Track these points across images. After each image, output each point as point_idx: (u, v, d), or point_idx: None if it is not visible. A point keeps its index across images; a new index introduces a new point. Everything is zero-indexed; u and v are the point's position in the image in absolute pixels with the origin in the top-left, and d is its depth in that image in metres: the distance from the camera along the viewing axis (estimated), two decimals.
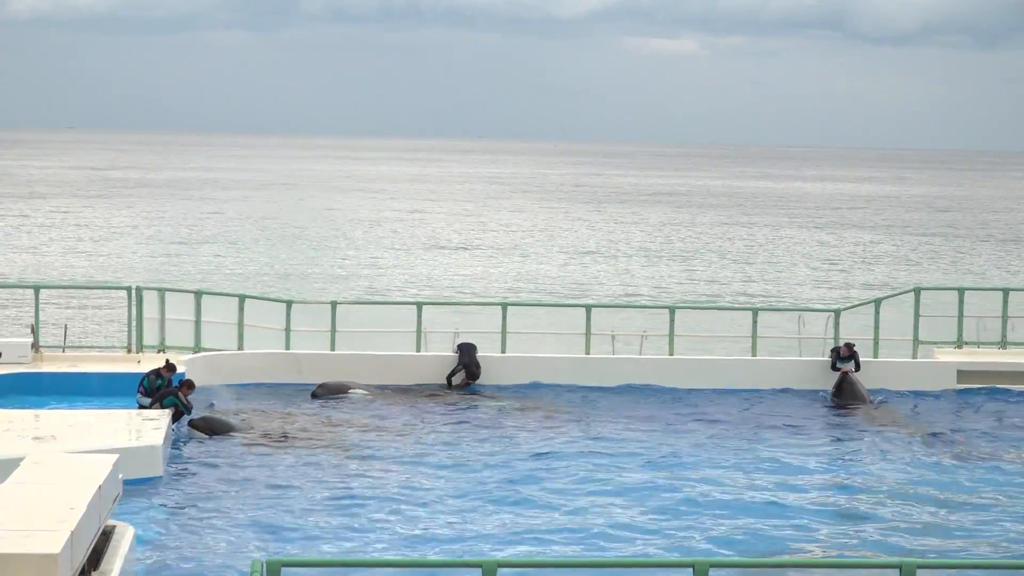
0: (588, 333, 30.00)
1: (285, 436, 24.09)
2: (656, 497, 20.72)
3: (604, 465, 22.61)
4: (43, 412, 23.68)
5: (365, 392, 27.74)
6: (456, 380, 28.91)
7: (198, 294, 29.40)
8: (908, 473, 22.67)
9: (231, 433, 23.95)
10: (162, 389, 24.10)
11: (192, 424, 23.93)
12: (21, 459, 15.80)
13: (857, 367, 29.01)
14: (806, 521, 19.72)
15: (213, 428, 23.99)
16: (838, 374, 28.96)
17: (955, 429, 26.28)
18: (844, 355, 29.16)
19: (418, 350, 29.65)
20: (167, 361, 24.95)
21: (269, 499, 20.11)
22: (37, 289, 28.54)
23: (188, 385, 24.30)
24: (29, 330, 28.20)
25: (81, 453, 18.16)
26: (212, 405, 25.24)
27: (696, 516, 19.79)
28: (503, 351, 29.74)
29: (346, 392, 27.77)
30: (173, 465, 21.99)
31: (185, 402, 23.95)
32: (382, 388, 28.31)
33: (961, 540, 18.97)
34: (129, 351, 28.24)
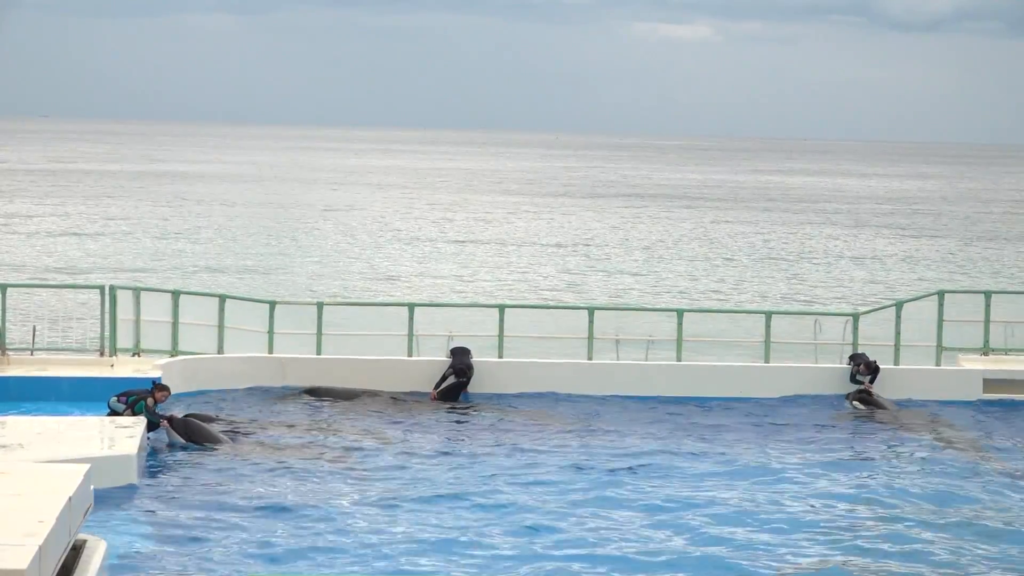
0: (591, 337, 29.98)
1: (268, 445, 24.08)
2: (663, 513, 20.69)
3: (607, 479, 22.59)
4: (10, 419, 23.66)
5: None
6: (445, 385, 28.77)
7: (175, 294, 29.39)
8: (937, 488, 22.59)
9: (208, 443, 23.87)
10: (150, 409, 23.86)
11: (171, 423, 23.86)
12: None
13: (871, 383, 29.06)
14: (825, 538, 19.70)
15: (191, 435, 23.92)
16: (858, 387, 28.93)
17: (981, 441, 26.27)
18: (864, 372, 29.13)
19: (410, 354, 29.64)
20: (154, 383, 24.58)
21: (250, 512, 20.10)
22: (4, 288, 28.50)
23: (161, 389, 24.13)
24: None
25: (50, 463, 18.16)
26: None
27: (707, 533, 19.78)
28: (500, 356, 29.73)
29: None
30: (148, 475, 21.98)
31: (151, 409, 23.74)
32: (374, 395, 28.31)
33: (990, 562, 18.96)
34: (102, 354, 28.22)
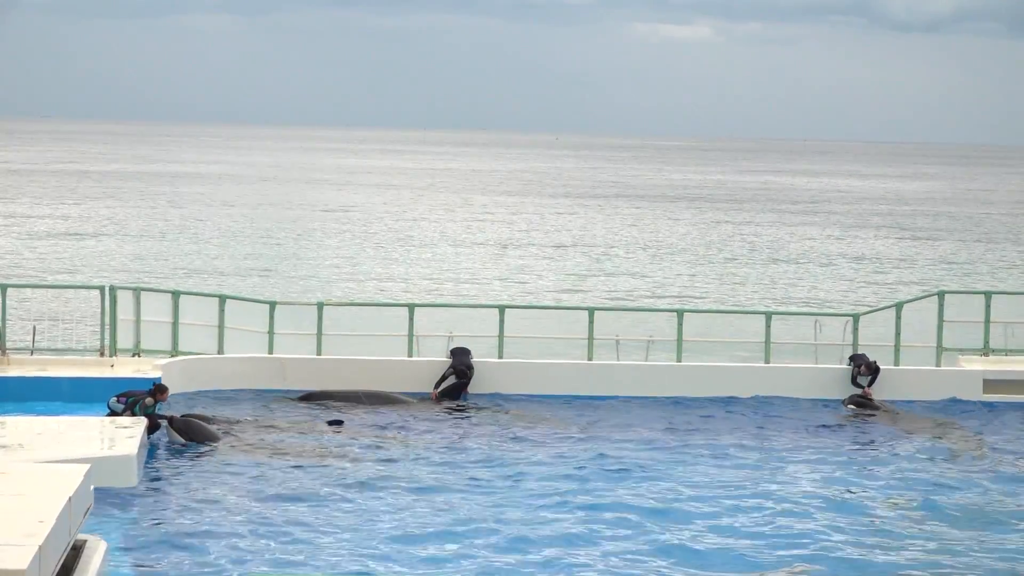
0: (591, 338, 29.97)
1: (268, 445, 24.09)
2: (664, 515, 20.67)
3: (607, 480, 22.58)
4: (10, 419, 23.67)
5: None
6: (445, 384, 28.73)
7: (175, 294, 29.38)
8: (936, 489, 22.59)
9: (208, 443, 23.89)
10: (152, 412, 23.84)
11: (171, 423, 23.84)
12: None
13: (871, 383, 29.07)
14: (824, 539, 19.70)
15: (191, 434, 23.93)
16: (857, 389, 28.95)
17: (981, 442, 26.27)
18: (864, 372, 29.15)
19: (410, 355, 29.63)
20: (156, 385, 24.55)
21: (250, 511, 20.10)
22: (4, 288, 28.50)
23: (161, 390, 24.11)
24: None
25: (50, 463, 18.16)
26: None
27: (706, 533, 19.78)
28: (500, 356, 29.72)
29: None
30: (148, 476, 21.98)
31: (145, 408, 23.58)
32: (372, 397, 28.31)
33: (990, 562, 18.96)
34: (102, 355, 28.21)
